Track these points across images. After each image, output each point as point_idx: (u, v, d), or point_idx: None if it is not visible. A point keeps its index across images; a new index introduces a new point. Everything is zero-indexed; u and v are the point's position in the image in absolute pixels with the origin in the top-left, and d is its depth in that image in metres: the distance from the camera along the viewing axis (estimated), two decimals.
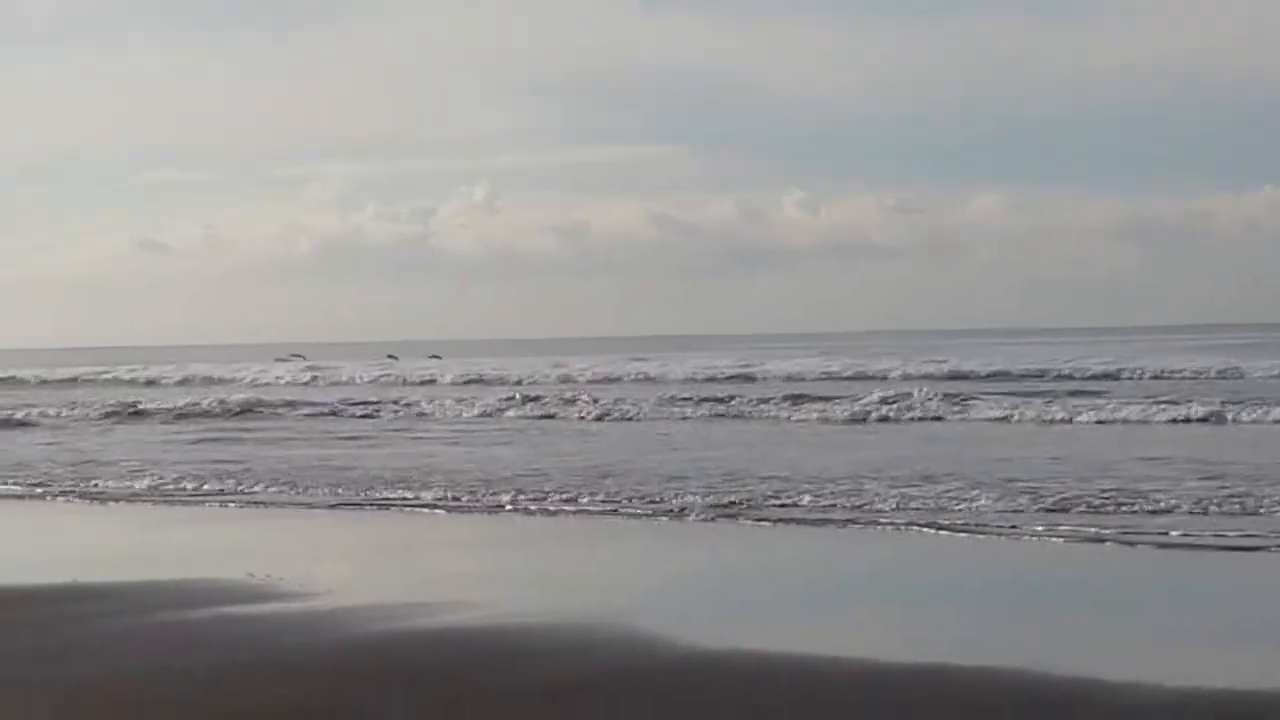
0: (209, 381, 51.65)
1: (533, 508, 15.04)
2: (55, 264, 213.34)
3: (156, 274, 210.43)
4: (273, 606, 9.85)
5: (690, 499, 15.10)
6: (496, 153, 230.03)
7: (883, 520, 13.73)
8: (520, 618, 9.42)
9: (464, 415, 31.94)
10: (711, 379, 44.19)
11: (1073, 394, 32.09)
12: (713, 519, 14.21)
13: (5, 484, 17.75)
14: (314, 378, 51.56)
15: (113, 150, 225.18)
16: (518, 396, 34.95)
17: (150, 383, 52.80)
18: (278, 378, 52.25)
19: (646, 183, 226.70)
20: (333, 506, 15.57)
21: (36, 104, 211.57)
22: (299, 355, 67.68)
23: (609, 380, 46.02)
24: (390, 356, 66.93)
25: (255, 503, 16.03)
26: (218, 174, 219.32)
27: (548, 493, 15.86)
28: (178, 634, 9.02)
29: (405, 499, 15.85)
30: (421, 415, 32.40)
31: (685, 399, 32.86)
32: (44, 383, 53.64)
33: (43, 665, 8.04)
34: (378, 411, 33.20)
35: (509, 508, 15.09)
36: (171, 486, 17.35)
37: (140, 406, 35.38)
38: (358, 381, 49.87)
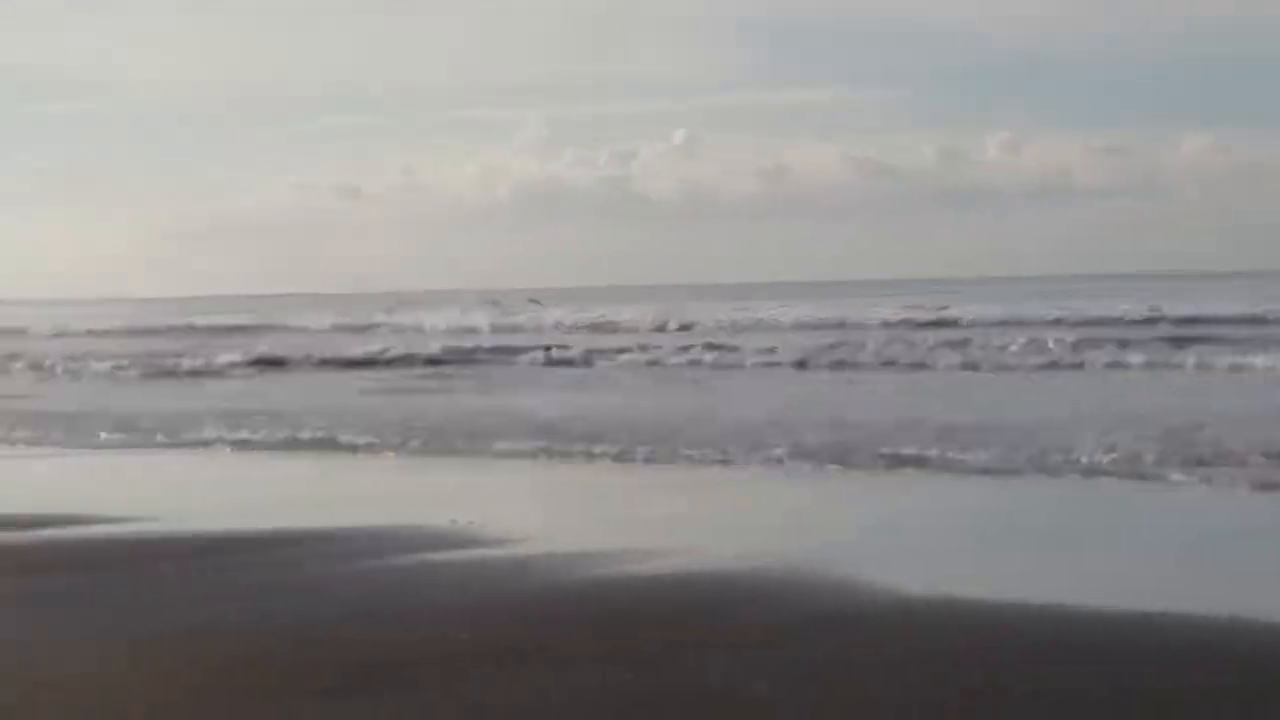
0: (400, 329, 52.30)
1: (722, 456, 14.97)
2: (252, 209, 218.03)
3: (353, 219, 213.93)
4: (474, 553, 9.98)
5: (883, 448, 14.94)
6: (697, 95, 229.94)
7: (1100, 470, 13.50)
8: (721, 563, 9.47)
9: (668, 362, 31.75)
10: (914, 323, 43.50)
11: None
12: (904, 466, 14.06)
13: (213, 432, 18.13)
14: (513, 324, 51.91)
15: (311, 94, 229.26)
16: (709, 343, 34.90)
17: (366, 328, 53.51)
18: (471, 327, 52.51)
19: (847, 125, 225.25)
20: (533, 455, 15.67)
21: (234, 43, 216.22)
22: (536, 301, 66.68)
23: (811, 326, 45.64)
24: (533, 301, 65.91)
25: (455, 451, 16.17)
26: (416, 118, 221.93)
27: (740, 442, 15.82)
28: (381, 578, 9.19)
29: (593, 449, 15.87)
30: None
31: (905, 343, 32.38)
32: (237, 329, 54.73)
33: (260, 606, 8.23)
34: (591, 360, 33.08)
35: (697, 458, 15.05)
36: (375, 438, 17.60)
37: (347, 354, 35.90)
38: (559, 327, 50.06)
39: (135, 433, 18.52)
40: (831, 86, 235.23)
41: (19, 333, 53.67)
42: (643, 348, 34.52)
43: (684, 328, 47.24)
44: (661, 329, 46.98)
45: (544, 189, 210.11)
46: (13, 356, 36.15)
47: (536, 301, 64.97)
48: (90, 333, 54.67)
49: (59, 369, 33.81)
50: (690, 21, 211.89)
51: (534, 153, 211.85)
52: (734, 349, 33.48)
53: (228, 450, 16.84)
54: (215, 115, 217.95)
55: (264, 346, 37.94)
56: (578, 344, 37.35)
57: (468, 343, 39.26)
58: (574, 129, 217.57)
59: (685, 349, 33.77)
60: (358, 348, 37.86)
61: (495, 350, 36.39)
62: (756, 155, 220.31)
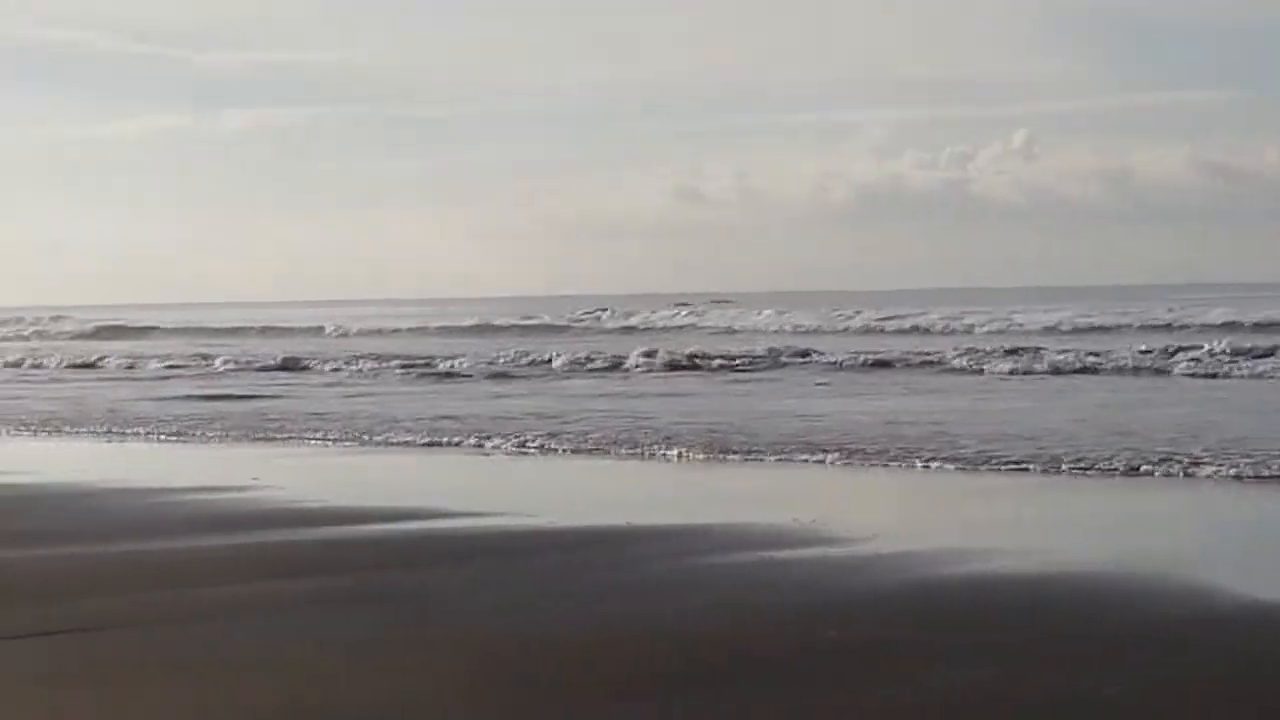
0: (729, 332, 52.66)
1: (1049, 465, 14.71)
2: (597, 210, 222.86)
3: (690, 222, 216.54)
4: (817, 551, 10.01)
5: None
6: (1038, 98, 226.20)
7: None
8: (1074, 566, 9.33)
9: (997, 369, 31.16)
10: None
11: None
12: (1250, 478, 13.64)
13: (529, 437, 18.49)
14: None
15: (658, 97, 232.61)
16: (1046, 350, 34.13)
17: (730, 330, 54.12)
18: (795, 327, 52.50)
19: (1194, 128, 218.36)
20: (872, 458, 15.63)
21: (588, 50, 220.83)
22: (725, 301, 64.98)
23: (1154, 327, 44.44)
24: (720, 301, 64.65)
25: (789, 451, 16.19)
26: (754, 121, 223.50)
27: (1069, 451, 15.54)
28: (729, 574, 9.28)
29: (919, 451, 15.77)
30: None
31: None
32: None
33: (607, 601, 8.40)
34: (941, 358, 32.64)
35: (1037, 469, 14.81)
36: (703, 437, 17.76)
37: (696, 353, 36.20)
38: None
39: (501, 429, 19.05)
40: (1175, 88, 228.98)
41: (416, 332, 55.93)
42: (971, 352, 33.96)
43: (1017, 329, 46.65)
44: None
45: (882, 191, 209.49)
46: (385, 357, 37.56)
47: (726, 301, 64.22)
48: (477, 328, 56.80)
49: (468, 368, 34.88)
50: (1029, 23, 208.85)
51: (872, 155, 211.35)
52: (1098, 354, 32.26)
53: (571, 451, 17.19)
54: (556, 120, 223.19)
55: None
56: (894, 346, 37.28)
57: (795, 343, 39.19)
58: (912, 131, 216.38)
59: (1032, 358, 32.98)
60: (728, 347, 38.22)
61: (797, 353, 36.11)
62: (1099, 157, 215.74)
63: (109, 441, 19.46)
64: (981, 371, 30.41)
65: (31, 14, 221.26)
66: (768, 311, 57.43)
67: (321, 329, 60.00)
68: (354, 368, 35.77)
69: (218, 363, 38.72)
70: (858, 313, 55.89)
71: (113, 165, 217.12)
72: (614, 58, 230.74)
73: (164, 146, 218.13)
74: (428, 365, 35.57)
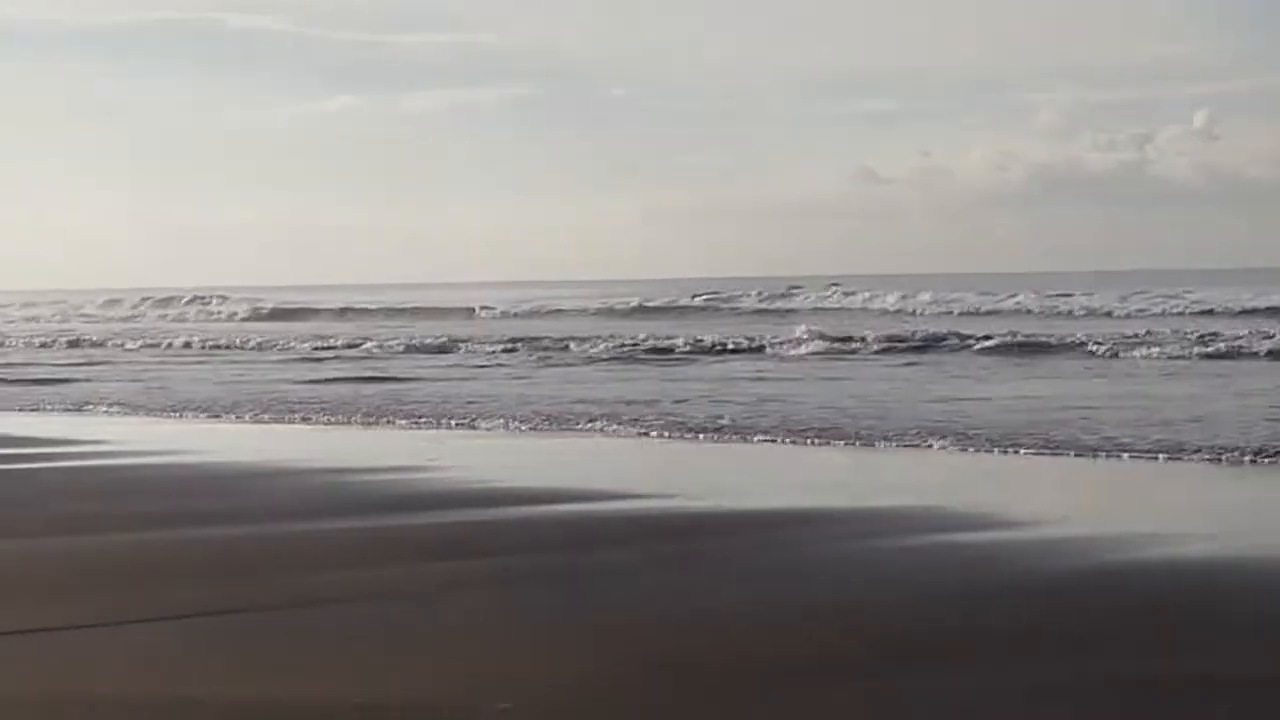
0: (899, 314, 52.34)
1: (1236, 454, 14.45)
2: (780, 190, 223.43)
3: (869, 203, 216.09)
4: (991, 535, 9.93)
5: None
6: (1218, 79, 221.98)
7: None
8: (1251, 551, 9.21)
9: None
10: None
11: None
12: None
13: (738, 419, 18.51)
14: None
15: (832, 78, 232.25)
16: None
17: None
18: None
19: None
20: (1043, 443, 15.43)
21: (762, 33, 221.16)
22: (835, 285, 64.54)
23: None
24: (833, 285, 63.84)
25: (974, 438, 16.03)
26: (932, 102, 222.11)
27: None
28: (898, 557, 9.23)
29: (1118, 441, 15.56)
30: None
31: None
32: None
33: (776, 582, 8.39)
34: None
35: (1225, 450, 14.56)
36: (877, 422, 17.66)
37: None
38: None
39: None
40: None
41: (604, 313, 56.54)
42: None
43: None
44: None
45: (1059, 172, 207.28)
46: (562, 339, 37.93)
47: (836, 285, 63.77)
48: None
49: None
50: (1207, 2, 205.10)
51: (1050, 136, 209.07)
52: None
53: (732, 434, 17.19)
54: (735, 100, 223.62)
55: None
56: (1074, 329, 36.70)
57: (960, 326, 38.73)
58: (1090, 112, 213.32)
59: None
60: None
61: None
62: None
63: (278, 423, 19.77)
64: (1163, 355, 29.81)
65: (229, 3, 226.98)
66: (924, 294, 56.88)
67: (501, 311, 60.48)
68: (522, 351, 36.19)
69: (383, 344, 39.32)
70: (1034, 294, 55.12)
71: (297, 148, 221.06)
72: (796, 41, 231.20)
73: (349, 128, 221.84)
74: (595, 345, 36.17)
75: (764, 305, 58.97)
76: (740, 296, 62.08)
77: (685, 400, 21.03)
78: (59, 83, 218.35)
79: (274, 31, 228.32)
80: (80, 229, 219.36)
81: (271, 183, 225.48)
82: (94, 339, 46.89)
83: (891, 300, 57.08)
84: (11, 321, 63.78)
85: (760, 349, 34.69)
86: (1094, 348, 31.26)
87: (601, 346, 36.16)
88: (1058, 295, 54.73)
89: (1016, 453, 14.83)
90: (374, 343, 39.88)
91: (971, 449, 15.15)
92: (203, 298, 74.26)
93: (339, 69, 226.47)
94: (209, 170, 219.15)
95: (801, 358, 32.76)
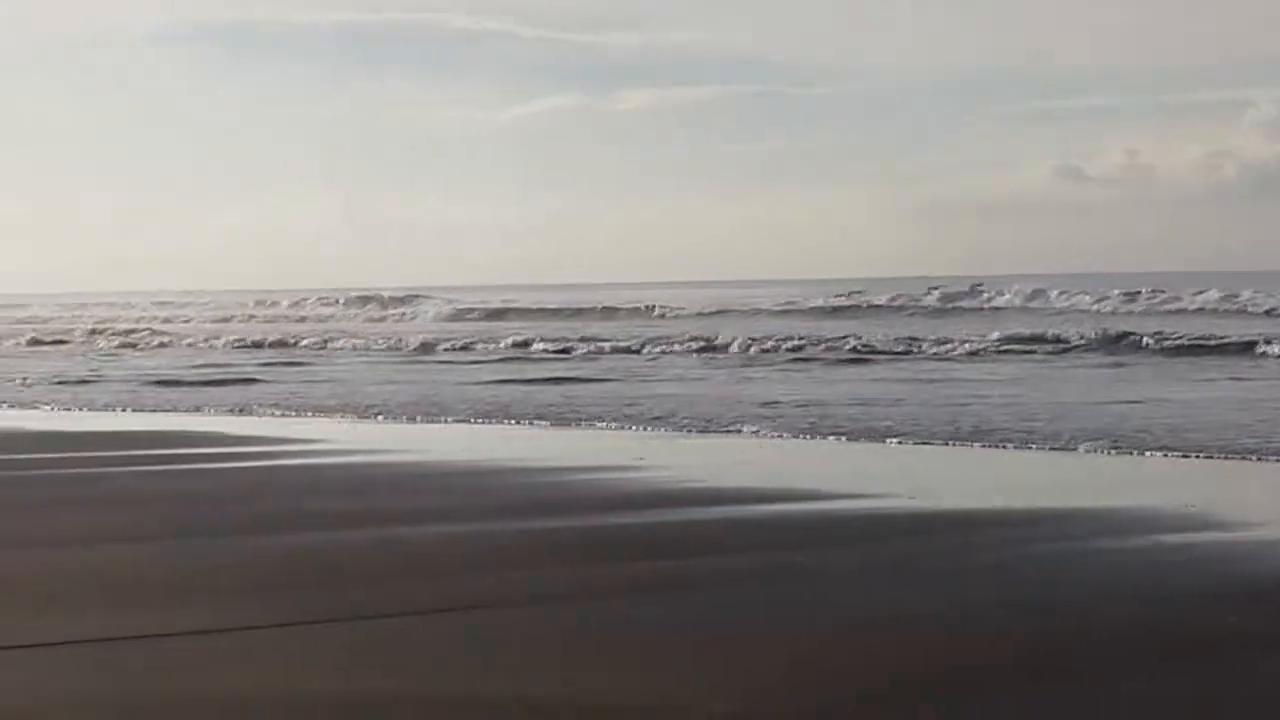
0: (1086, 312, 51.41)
1: None
2: (982, 187, 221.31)
3: (1074, 200, 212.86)
4: (1209, 535, 9.83)
5: None
6: None
7: None
8: None
9: None
10: None
11: None
12: None
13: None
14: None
15: (1041, 74, 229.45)
16: None
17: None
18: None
19: None
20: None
21: (954, 30, 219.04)
22: (936, 288, 63.48)
23: None
24: (933, 288, 62.53)
25: (1181, 443, 15.77)
26: (1137, 99, 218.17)
27: None
28: (1112, 558, 9.15)
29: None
30: None
31: None
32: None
33: (976, 585, 8.32)
34: None
35: None
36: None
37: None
38: None
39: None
40: None
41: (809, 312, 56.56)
42: None
43: None
44: None
45: (1272, 169, 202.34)
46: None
47: (936, 288, 62.39)
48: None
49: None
50: None
51: (1264, 133, 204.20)
52: None
53: (934, 436, 17.12)
54: (939, 99, 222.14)
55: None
56: None
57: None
58: None
59: None
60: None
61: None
62: None
63: (479, 423, 20.04)
64: None
65: (453, 6, 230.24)
66: (1115, 292, 55.73)
67: (716, 312, 60.46)
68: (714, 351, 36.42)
69: (579, 347, 39.76)
70: (1256, 293, 53.75)
71: (512, 147, 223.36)
72: (995, 37, 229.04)
73: (561, 128, 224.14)
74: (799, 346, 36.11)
75: (952, 305, 57.93)
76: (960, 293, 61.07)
77: (891, 401, 20.96)
78: (286, 81, 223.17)
79: (493, 31, 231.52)
80: (295, 228, 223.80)
81: (487, 181, 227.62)
82: (309, 341, 47.24)
83: (1099, 301, 56.04)
84: (226, 320, 65.46)
85: (946, 349, 34.62)
86: None
87: (822, 345, 36.12)
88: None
89: (1232, 457, 14.61)
90: (608, 342, 40.40)
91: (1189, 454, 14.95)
92: (408, 298, 75.15)
93: (556, 68, 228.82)
94: (419, 169, 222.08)
95: (989, 356, 32.59)
